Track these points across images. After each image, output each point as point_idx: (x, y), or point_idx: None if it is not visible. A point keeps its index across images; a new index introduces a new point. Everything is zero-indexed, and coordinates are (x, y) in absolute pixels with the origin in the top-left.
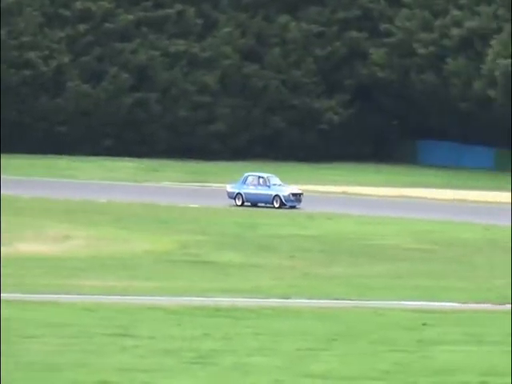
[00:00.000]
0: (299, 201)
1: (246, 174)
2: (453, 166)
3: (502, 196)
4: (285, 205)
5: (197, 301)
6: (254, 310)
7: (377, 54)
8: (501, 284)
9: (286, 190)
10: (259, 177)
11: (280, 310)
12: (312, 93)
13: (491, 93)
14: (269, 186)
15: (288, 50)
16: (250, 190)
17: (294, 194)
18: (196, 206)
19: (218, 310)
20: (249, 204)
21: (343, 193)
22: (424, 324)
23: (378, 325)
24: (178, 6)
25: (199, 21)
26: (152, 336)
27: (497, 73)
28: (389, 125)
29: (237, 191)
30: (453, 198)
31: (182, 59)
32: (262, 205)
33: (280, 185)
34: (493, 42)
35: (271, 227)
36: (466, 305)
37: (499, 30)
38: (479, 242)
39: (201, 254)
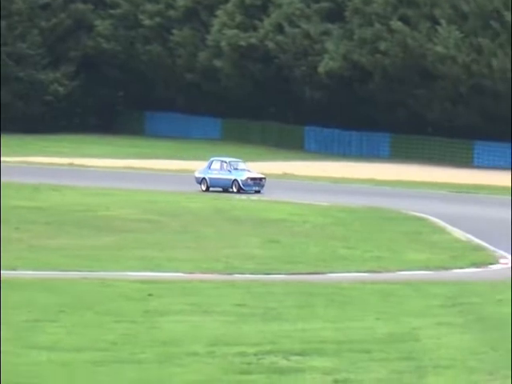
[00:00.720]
0: (260, 185)
1: (212, 159)
2: (180, 136)
3: None
4: (243, 189)
5: None
6: None
7: (102, 25)
8: (228, 254)
9: (244, 175)
10: (222, 161)
11: (7, 281)
12: (37, 65)
13: (217, 63)
14: (230, 171)
15: (13, 22)
16: (214, 174)
17: (252, 179)
18: None
19: None
20: (217, 190)
21: (69, 164)
22: (150, 295)
23: (105, 296)
24: None
25: None
26: None
27: (223, 43)
28: (115, 96)
29: (202, 176)
30: (180, 169)
31: None
32: (232, 190)
33: (243, 170)
34: (218, 13)
35: None
36: (192, 275)
37: (225, 1)
38: (206, 211)
39: None
